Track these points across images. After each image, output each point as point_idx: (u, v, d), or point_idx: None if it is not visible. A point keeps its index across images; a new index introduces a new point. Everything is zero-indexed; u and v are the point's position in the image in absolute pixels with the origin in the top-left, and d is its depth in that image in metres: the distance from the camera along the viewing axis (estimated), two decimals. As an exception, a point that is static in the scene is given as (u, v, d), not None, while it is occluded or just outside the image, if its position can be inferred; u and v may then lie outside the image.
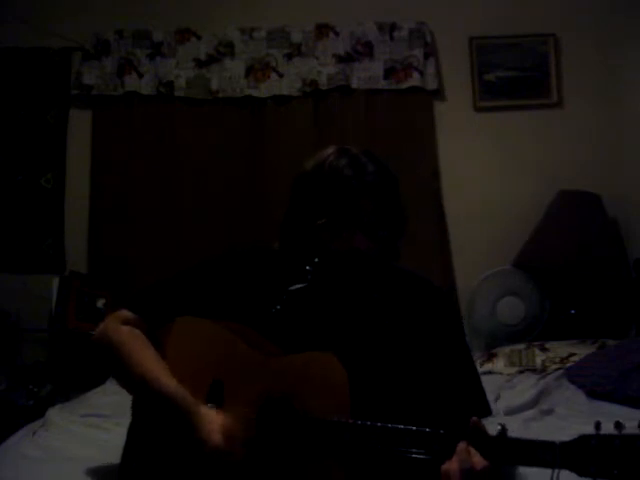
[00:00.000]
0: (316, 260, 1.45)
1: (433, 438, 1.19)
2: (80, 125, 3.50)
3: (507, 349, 2.87)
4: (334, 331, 1.41)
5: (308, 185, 1.48)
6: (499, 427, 1.17)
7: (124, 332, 1.46)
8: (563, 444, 1.10)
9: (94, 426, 2.06)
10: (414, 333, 1.43)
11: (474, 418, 1.20)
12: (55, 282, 3.25)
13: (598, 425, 1.09)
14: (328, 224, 1.43)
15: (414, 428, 1.20)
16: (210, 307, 1.47)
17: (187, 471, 1.33)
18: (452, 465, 1.16)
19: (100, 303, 3.25)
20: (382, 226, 1.44)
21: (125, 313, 1.49)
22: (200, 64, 3.46)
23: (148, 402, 1.41)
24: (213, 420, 1.31)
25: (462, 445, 1.17)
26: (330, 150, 1.50)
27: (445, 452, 1.18)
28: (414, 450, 1.19)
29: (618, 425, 1.07)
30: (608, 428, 1.08)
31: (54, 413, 2.17)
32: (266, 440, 1.30)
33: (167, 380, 1.36)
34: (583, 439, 1.09)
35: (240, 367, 1.37)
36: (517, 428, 1.99)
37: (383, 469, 1.25)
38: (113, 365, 1.47)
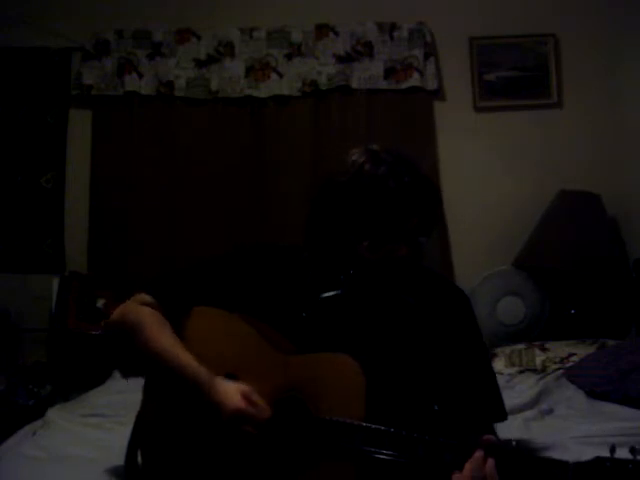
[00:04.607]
0: (351, 272, 1.41)
1: (446, 448, 1.18)
2: (80, 125, 3.49)
3: (507, 349, 2.87)
4: (360, 338, 1.38)
5: (347, 198, 1.38)
6: (513, 443, 1.16)
7: (145, 312, 1.46)
8: (577, 464, 1.08)
9: (94, 426, 2.07)
10: (436, 338, 1.42)
11: (487, 436, 1.18)
12: (55, 282, 3.26)
13: (613, 448, 1.08)
14: (372, 245, 1.37)
15: (427, 437, 1.19)
16: (231, 300, 1.46)
17: (200, 453, 1.33)
18: (465, 472, 1.15)
19: (100, 303, 3.25)
20: (424, 234, 1.40)
21: (144, 296, 1.49)
22: (200, 64, 3.45)
23: (165, 379, 1.41)
24: (230, 388, 1.32)
25: (479, 453, 1.15)
26: (361, 156, 1.40)
27: (456, 463, 1.16)
28: (425, 458, 1.18)
29: (633, 450, 1.06)
30: (619, 442, 1.07)
31: (54, 413, 2.17)
32: (277, 438, 1.30)
33: (184, 355, 1.37)
34: (598, 461, 1.08)
35: (256, 362, 1.38)
36: (517, 428, 1.99)
37: (393, 475, 1.24)
38: (130, 344, 1.46)
